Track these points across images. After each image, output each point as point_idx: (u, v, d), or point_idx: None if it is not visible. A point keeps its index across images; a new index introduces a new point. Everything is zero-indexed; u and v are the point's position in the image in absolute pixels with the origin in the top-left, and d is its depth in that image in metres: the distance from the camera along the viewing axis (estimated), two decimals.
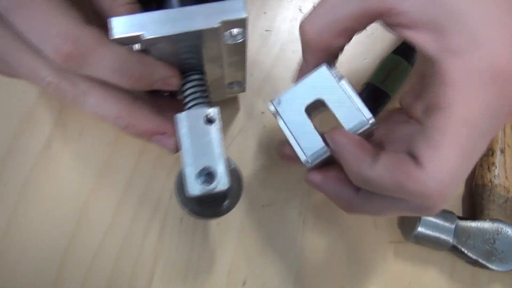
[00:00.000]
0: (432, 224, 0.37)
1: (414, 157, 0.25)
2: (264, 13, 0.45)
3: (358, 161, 0.27)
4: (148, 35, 0.26)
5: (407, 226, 0.39)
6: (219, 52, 0.30)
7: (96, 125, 0.41)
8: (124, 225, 0.39)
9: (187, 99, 0.31)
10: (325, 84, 0.29)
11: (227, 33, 0.29)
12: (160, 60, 0.29)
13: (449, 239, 0.37)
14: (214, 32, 0.28)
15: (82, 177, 0.40)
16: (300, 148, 0.30)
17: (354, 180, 0.28)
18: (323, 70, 0.30)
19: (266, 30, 0.45)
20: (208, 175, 0.28)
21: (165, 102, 0.35)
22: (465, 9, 0.23)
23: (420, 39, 0.25)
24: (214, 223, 0.40)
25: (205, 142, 0.28)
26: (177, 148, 0.30)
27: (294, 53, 0.44)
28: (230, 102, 0.42)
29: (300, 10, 0.46)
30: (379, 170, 0.26)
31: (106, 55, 0.26)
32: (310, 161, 0.29)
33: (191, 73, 0.31)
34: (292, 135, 0.30)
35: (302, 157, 0.30)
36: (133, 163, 0.41)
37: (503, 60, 0.23)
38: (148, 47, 0.28)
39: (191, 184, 0.27)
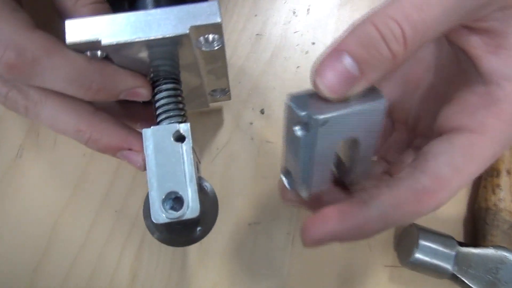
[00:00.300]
0: (430, 250, 0.34)
1: (430, 176, 0.23)
2: (255, 15, 0.42)
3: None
4: (106, 41, 0.23)
5: (403, 250, 0.36)
6: (194, 59, 0.27)
7: None
8: (99, 242, 0.37)
9: (158, 112, 0.28)
10: (373, 121, 0.23)
11: (201, 39, 0.26)
12: (125, 68, 0.26)
13: (449, 267, 0.34)
14: (185, 39, 0.25)
15: (55, 190, 0.37)
16: (306, 181, 0.24)
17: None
18: (382, 103, 0.22)
19: (257, 34, 0.42)
20: (175, 200, 0.25)
21: (141, 109, 0.32)
22: None
23: (482, 49, 0.22)
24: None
25: (173, 163, 0.25)
26: (145, 166, 0.27)
27: (287, 60, 0.41)
28: (215, 112, 0.40)
29: (294, 13, 0.43)
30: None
31: (59, 64, 0.23)
32: (306, 197, 0.26)
33: (165, 81, 0.28)
34: (310, 165, 0.24)
35: (301, 189, 0.25)
36: (111, 175, 0.38)
37: None
38: (111, 54, 0.25)
39: (156, 210, 0.24)
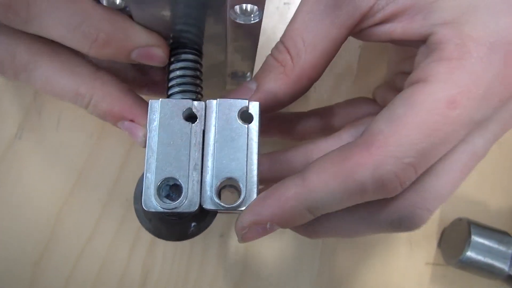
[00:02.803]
0: (484, 248, 0.30)
1: (361, 136, 0.21)
2: None
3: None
4: None
5: (450, 247, 0.32)
6: (223, 31, 0.23)
7: (77, 113, 0.34)
8: (108, 235, 0.33)
9: (171, 83, 0.24)
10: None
11: (237, 8, 0.22)
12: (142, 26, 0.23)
13: (505, 267, 0.30)
14: (220, 1, 0.21)
15: (59, 175, 0.33)
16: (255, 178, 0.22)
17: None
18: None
19: (284, 3, 0.38)
20: (173, 188, 0.22)
21: (154, 74, 0.29)
22: None
23: (401, 27, 0.21)
24: (217, 234, 0.34)
25: (178, 144, 0.22)
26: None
27: None
28: None
29: None
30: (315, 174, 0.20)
31: (60, 4, 0.20)
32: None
33: (184, 50, 0.25)
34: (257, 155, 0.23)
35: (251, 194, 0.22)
36: (121, 159, 0.34)
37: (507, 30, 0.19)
38: (131, 5, 0.21)
39: (148, 196, 0.21)
